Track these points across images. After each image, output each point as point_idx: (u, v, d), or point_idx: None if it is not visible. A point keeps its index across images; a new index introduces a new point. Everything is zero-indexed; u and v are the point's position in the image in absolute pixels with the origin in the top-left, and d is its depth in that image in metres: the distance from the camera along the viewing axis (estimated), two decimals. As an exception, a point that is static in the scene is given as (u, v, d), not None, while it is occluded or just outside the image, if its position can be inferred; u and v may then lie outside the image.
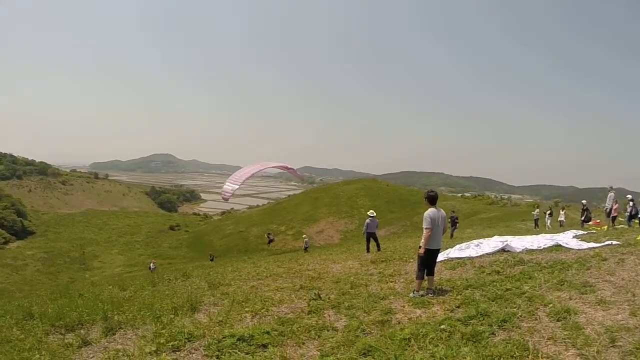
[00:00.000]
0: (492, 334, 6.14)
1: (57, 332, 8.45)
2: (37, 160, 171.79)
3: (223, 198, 19.31)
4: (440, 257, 11.54)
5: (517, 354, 5.24)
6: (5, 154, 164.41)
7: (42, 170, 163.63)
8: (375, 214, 20.76)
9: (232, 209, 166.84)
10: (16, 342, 7.77)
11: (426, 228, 8.82)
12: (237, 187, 18.27)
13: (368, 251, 19.77)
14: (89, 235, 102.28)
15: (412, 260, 13.81)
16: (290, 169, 21.54)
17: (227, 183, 18.89)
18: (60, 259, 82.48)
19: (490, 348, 5.48)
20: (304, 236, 42.17)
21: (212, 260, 45.35)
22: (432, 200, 9.06)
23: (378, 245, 20.20)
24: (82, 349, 7.27)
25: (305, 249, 36.63)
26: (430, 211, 8.89)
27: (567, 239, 14.29)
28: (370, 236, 20.28)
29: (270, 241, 54.55)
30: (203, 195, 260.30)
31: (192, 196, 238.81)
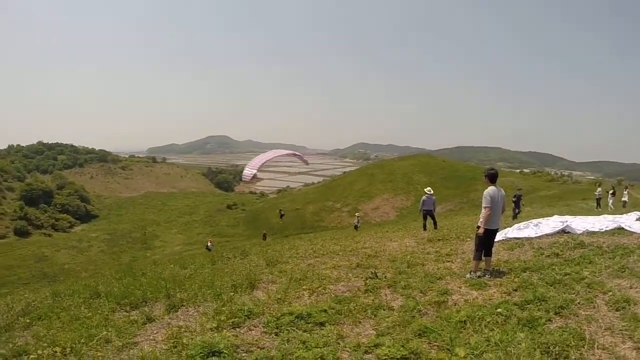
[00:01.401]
0: (549, 320, 6.00)
1: (122, 309, 8.75)
2: (97, 149, 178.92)
3: (243, 180, 22.34)
4: (498, 236, 11.28)
5: (572, 342, 5.10)
6: (66, 144, 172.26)
7: (102, 157, 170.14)
8: (432, 191, 20.48)
9: (287, 186, 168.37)
10: (84, 319, 8.04)
11: (485, 207, 8.64)
12: (255, 171, 22.72)
13: (424, 229, 19.48)
14: (150, 216, 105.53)
15: (469, 239, 13.67)
16: (297, 155, 28.36)
17: (246, 168, 22.96)
18: (122, 239, 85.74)
19: (546, 335, 5.35)
20: (356, 214, 41.97)
21: (265, 239, 45.83)
22: (492, 178, 8.88)
23: (435, 223, 19.91)
24: (146, 325, 7.50)
25: (356, 226, 36.40)
26: (491, 189, 8.71)
27: (630, 221, 13.39)
28: (427, 214, 20.00)
29: (282, 216, 55.46)
30: (259, 175, 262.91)
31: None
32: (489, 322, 6.03)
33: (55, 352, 6.29)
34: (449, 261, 10.79)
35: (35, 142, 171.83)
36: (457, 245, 13.25)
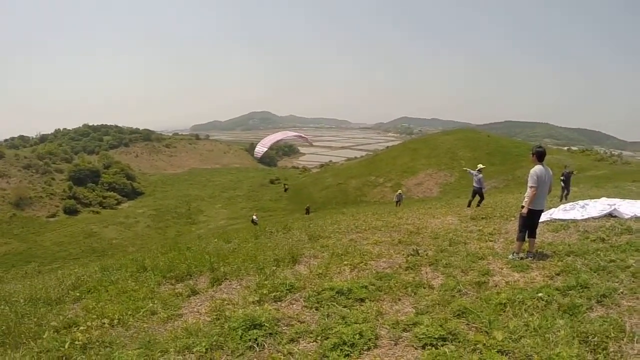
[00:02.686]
0: (590, 308, 5.83)
1: (168, 282, 9.04)
2: (141, 128, 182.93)
3: (255, 157, 23.57)
4: (543, 217, 10.91)
5: (612, 334, 4.94)
6: (111, 125, 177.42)
7: (146, 136, 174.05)
8: (482, 167, 20.45)
9: (330, 161, 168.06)
10: (131, 292, 8.35)
11: (531, 186, 8.40)
12: (265, 149, 24.32)
13: (469, 206, 19.28)
14: (194, 192, 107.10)
15: (513, 218, 13.44)
16: (304, 137, 28.98)
17: (258, 146, 24.38)
18: (168, 215, 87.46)
19: (585, 324, 5.23)
20: (399, 191, 41.47)
21: (307, 213, 46.01)
22: (540, 156, 8.57)
23: (480, 201, 19.65)
24: (191, 298, 7.76)
25: (397, 202, 36.05)
26: (538, 168, 8.45)
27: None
28: (476, 191, 19.77)
29: (286, 190, 54.80)
30: (301, 149, 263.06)
31: (290, 150, 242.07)
32: (529, 306, 5.94)
33: (104, 323, 6.56)
34: (491, 241, 10.62)
35: (81, 125, 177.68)
36: (501, 224, 13.03)
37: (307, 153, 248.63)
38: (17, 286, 11.59)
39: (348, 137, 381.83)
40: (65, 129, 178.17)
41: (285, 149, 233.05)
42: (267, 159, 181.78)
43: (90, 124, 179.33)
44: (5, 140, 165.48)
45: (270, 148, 25.38)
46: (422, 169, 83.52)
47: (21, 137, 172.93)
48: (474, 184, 19.87)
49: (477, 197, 19.72)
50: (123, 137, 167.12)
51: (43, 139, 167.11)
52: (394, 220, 15.71)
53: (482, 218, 14.60)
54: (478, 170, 20.01)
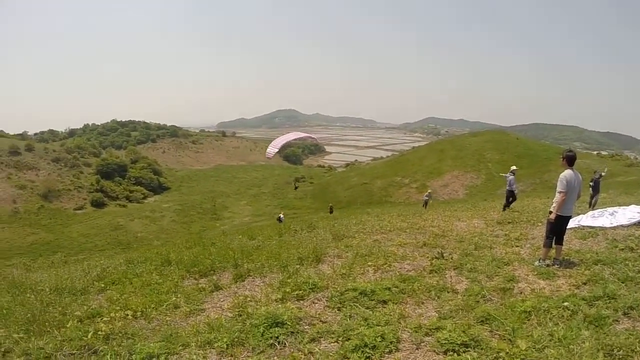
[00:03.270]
0: (616, 320, 5.67)
1: (191, 277, 9.13)
2: (168, 125, 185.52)
3: (267, 157, 26.03)
4: (571, 223, 10.65)
5: (638, 348, 4.80)
6: (138, 121, 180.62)
7: (173, 132, 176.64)
8: (515, 169, 20.23)
9: (356, 160, 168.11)
10: (155, 285, 8.47)
11: (560, 192, 8.20)
12: (276, 150, 24.94)
13: (504, 209, 18.78)
14: (219, 188, 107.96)
15: (540, 224, 13.24)
16: (313, 138, 33.62)
17: (269, 147, 25.10)
18: (193, 210, 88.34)
19: (611, 336, 5.07)
20: (428, 191, 40.86)
21: (331, 212, 45.96)
22: (570, 160, 8.36)
23: (511, 202, 19.37)
24: (214, 293, 7.82)
25: (425, 203, 35.47)
26: (567, 173, 8.25)
27: None
28: (510, 194, 19.43)
29: (296, 187, 54.82)
30: (327, 148, 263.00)
31: (316, 149, 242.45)
32: (554, 315, 5.82)
33: (127, 315, 6.65)
34: (517, 246, 10.44)
35: (109, 121, 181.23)
36: (528, 229, 12.84)
37: (333, 152, 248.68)
38: (44, 275, 11.77)
39: (374, 137, 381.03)
40: (93, 124, 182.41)
41: (311, 148, 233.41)
42: (293, 157, 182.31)
43: (118, 120, 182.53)
44: (35, 134, 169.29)
45: (282, 148, 26.11)
46: (448, 171, 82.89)
47: (51, 132, 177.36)
48: (507, 186, 19.60)
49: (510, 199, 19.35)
50: (150, 133, 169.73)
51: (72, 133, 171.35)
52: (419, 222, 15.60)
53: (509, 222, 14.41)
54: (511, 171, 19.73)
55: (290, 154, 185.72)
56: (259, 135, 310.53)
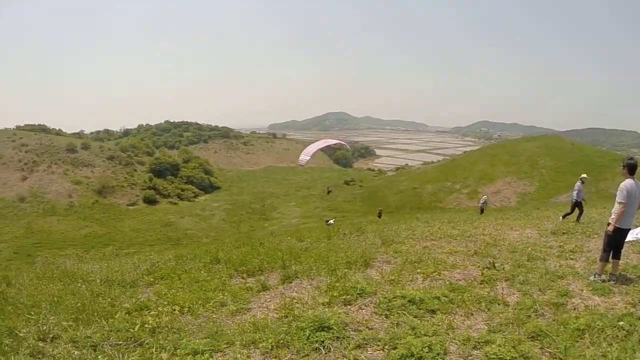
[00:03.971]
0: None
1: (239, 276, 9.25)
2: (220, 126, 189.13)
3: (299, 165, 27.98)
4: (629, 237, 9.93)
5: None
6: (191, 122, 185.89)
7: (225, 133, 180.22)
8: (585, 178, 18.74)
9: (406, 164, 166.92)
10: (203, 282, 8.61)
11: (620, 202, 7.78)
12: (309, 158, 26.24)
13: (578, 220, 17.26)
14: (269, 189, 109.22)
15: (596, 236, 12.75)
16: (344, 144, 33.49)
17: (302, 154, 26.50)
18: (242, 209, 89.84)
19: None
20: (484, 196, 39.69)
21: (380, 216, 45.65)
22: (631, 169, 7.88)
23: (567, 214, 18.05)
24: (261, 293, 7.89)
25: (482, 209, 34.51)
26: (628, 183, 7.82)
27: None
28: (576, 205, 17.89)
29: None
30: (377, 151, 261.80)
31: (366, 152, 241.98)
32: (608, 335, 5.55)
33: (174, 310, 6.80)
34: (572, 259, 9.99)
35: (162, 121, 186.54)
36: (583, 241, 12.34)
37: (383, 155, 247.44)
38: (95, 267, 12.10)
39: (425, 141, 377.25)
40: (147, 124, 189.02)
41: (361, 151, 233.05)
42: (343, 160, 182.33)
43: (172, 121, 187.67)
44: (92, 133, 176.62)
45: (313, 156, 27.13)
46: (500, 177, 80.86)
47: (106, 131, 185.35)
48: (575, 196, 18.10)
49: (577, 211, 17.86)
50: (202, 134, 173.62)
51: (126, 133, 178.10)
52: (470, 230, 15.31)
53: (563, 233, 13.90)
54: (581, 180, 18.46)
55: (341, 157, 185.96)
56: (309, 138, 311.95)
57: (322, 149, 29.26)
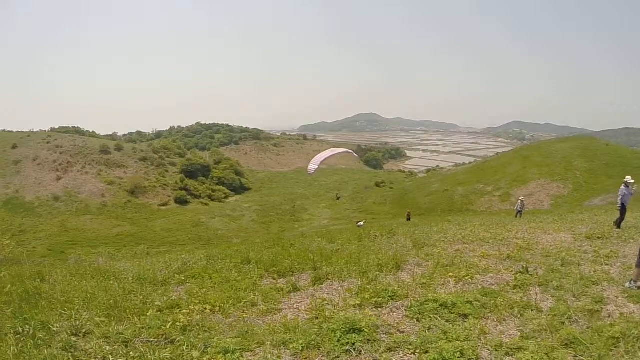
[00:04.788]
0: None
1: (270, 277, 9.31)
2: (250, 127, 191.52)
3: (308, 174, 29.13)
4: None
5: None
6: (222, 124, 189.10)
7: (256, 135, 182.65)
8: (631, 182, 17.39)
9: (437, 166, 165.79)
10: (234, 282, 8.67)
11: None
12: (317, 167, 26.97)
13: (618, 227, 16.13)
14: (299, 190, 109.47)
15: (632, 241, 12.53)
16: (350, 152, 33.46)
17: (310, 164, 27.28)
18: (272, 211, 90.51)
19: None
20: (520, 198, 38.72)
21: (408, 219, 45.23)
22: None
23: (619, 220, 16.49)
24: (292, 294, 7.93)
25: (519, 213, 33.47)
26: None
27: None
28: (623, 209, 16.74)
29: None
30: (408, 153, 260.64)
31: (397, 153, 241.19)
32: None
33: (205, 308, 6.88)
34: (607, 264, 9.78)
35: (194, 123, 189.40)
36: (619, 246, 12.05)
37: (414, 157, 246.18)
38: (127, 265, 12.25)
39: (456, 142, 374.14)
40: (179, 126, 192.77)
41: (392, 152, 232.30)
42: (374, 162, 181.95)
43: (203, 123, 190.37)
44: (124, 135, 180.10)
45: (321, 164, 28.03)
46: (533, 179, 79.45)
47: (139, 133, 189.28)
48: (620, 201, 17.13)
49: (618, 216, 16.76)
50: (233, 136, 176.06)
51: (159, 134, 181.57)
52: (503, 233, 15.11)
53: (598, 238, 13.59)
54: (625, 184, 17.49)
55: (371, 158, 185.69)
56: (340, 139, 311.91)
57: (330, 157, 29.92)
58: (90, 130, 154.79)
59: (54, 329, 6.04)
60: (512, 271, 9.04)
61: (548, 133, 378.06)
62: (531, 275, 8.59)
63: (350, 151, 33.80)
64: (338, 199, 79.62)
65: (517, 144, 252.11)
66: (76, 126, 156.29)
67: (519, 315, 6.49)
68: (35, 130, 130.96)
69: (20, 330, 5.85)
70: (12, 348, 5.23)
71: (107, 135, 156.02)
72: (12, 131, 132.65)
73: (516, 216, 31.12)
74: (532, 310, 6.65)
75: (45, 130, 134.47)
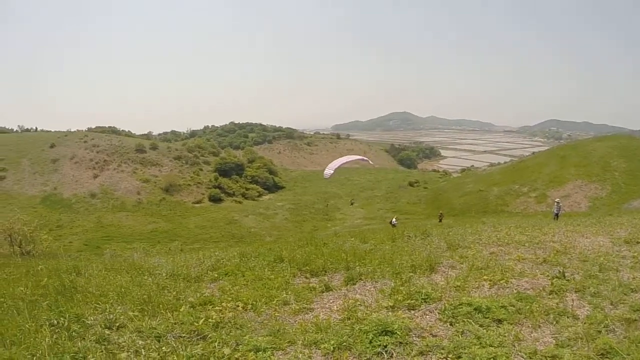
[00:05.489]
0: None
1: (302, 275, 9.39)
2: (284, 127, 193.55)
3: (325, 178, 31.56)
4: None
5: None
6: (255, 123, 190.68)
7: (289, 134, 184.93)
8: None
9: (472, 165, 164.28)
10: (267, 280, 8.78)
11: None
12: (332, 172, 28.66)
13: None
14: (333, 189, 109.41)
15: (673, 246, 12.00)
16: (366, 160, 34.79)
17: (326, 169, 29.03)
18: (305, 209, 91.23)
19: None
20: (557, 200, 37.89)
21: (440, 220, 44.75)
22: None
23: None
24: (324, 294, 7.96)
25: (556, 215, 32.70)
26: None
27: None
28: None
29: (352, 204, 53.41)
30: (443, 152, 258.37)
31: (431, 153, 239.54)
32: None
33: (237, 306, 6.97)
34: (647, 271, 9.37)
35: (227, 123, 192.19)
36: (660, 251, 11.58)
37: (449, 156, 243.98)
38: (161, 260, 12.48)
39: (491, 141, 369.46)
40: (213, 125, 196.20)
41: (426, 151, 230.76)
42: (408, 161, 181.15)
43: (236, 122, 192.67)
44: (159, 134, 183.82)
45: (337, 170, 29.68)
46: (570, 179, 77.47)
47: (173, 132, 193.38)
48: None
49: None
50: (267, 135, 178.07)
51: (193, 134, 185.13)
52: (539, 236, 14.74)
53: (638, 242, 13.06)
54: None
55: (405, 158, 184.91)
56: (373, 139, 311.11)
57: (345, 164, 32.48)
58: (126, 130, 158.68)
59: (88, 322, 6.23)
60: (548, 276, 8.80)
61: (586, 132, 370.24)
62: (568, 280, 8.36)
63: (366, 159, 34.88)
64: (352, 204, 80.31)
65: (553, 143, 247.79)
66: (112, 126, 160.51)
67: (554, 322, 6.33)
68: (72, 130, 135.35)
69: (55, 322, 6.05)
70: (46, 339, 5.39)
71: (143, 135, 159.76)
72: (50, 131, 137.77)
73: (554, 218, 30.42)
74: (567, 317, 6.48)
75: (82, 130, 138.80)
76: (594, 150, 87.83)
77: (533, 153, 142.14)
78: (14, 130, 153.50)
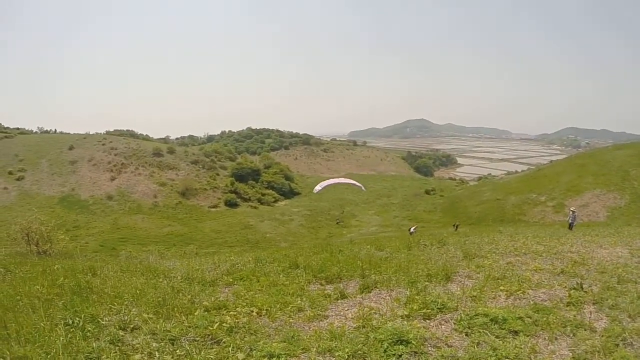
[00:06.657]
0: None
1: (318, 282, 9.37)
2: (300, 133, 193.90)
3: (314, 192, 33.72)
4: None
5: None
6: (272, 129, 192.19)
7: (306, 140, 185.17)
8: None
9: (489, 174, 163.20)
10: (282, 286, 8.78)
11: None
12: (321, 188, 30.69)
13: None
14: (348, 196, 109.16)
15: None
16: (358, 185, 34.49)
17: (317, 185, 30.80)
18: (321, 216, 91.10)
19: None
20: (572, 209, 37.38)
21: (456, 230, 44.37)
22: None
23: None
24: (339, 301, 7.93)
25: (571, 224, 32.25)
26: None
27: None
28: None
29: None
30: (459, 160, 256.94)
31: (448, 160, 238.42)
32: None
33: (252, 311, 6.98)
34: (666, 284, 9.22)
35: (244, 128, 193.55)
36: (680, 264, 11.38)
37: (465, 164, 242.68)
38: (176, 264, 12.58)
39: (509, 149, 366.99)
40: (230, 131, 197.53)
41: (442, 159, 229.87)
42: (424, 169, 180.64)
43: (253, 128, 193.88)
44: (177, 139, 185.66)
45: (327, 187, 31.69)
46: (588, 189, 75.92)
47: (190, 137, 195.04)
48: None
49: None
50: (284, 141, 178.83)
51: (210, 139, 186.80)
52: (556, 246, 14.62)
53: (657, 254, 12.98)
54: None
55: (421, 165, 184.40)
56: (390, 145, 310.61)
57: (335, 184, 34.52)
58: (144, 134, 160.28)
59: (103, 322, 6.27)
60: (565, 287, 8.69)
61: (604, 140, 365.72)
62: (586, 292, 8.26)
63: (359, 185, 34.68)
64: (337, 223, 79.87)
65: (571, 151, 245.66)
66: (130, 129, 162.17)
67: (571, 335, 6.27)
68: (91, 133, 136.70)
69: (70, 322, 6.10)
70: (61, 338, 5.45)
71: (160, 139, 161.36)
72: (69, 133, 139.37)
73: (569, 228, 30.06)
74: (585, 330, 6.40)
75: (100, 133, 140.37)
76: (612, 158, 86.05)
77: (551, 161, 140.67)
78: (34, 131, 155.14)
